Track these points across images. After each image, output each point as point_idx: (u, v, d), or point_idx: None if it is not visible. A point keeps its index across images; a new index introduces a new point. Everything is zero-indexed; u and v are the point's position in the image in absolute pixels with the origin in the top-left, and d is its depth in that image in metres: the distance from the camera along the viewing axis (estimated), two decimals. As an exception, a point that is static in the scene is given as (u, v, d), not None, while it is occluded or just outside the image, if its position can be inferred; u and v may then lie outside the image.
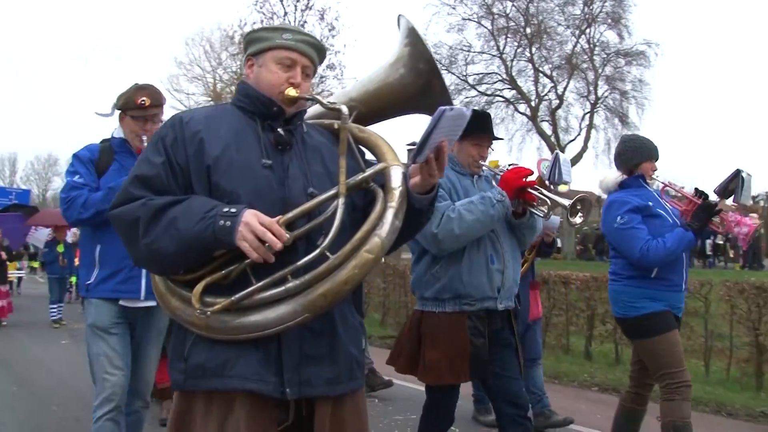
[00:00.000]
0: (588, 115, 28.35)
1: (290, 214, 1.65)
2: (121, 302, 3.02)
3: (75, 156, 3.12)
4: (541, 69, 28.57)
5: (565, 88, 28.44)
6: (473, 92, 29.10)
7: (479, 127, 2.94)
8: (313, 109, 2.11)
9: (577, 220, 2.83)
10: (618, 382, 6.02)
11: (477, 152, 3.02)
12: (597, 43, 28.29)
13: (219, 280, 1.66)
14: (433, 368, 2.85)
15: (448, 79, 25.71)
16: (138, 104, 3.06)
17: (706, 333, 6.28)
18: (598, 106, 28.33)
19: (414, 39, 2.25)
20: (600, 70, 28.11)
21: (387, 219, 1.71)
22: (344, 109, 1.69)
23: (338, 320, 1.79)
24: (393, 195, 1.75)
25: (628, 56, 27.89)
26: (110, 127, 3.27)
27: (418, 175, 1.77)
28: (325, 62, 26.64)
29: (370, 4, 49.03)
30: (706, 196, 3.48)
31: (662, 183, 3.67)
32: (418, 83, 2.21)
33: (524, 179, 2.89)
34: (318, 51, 1.90)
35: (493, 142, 3.09)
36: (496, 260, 2.92)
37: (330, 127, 2.03)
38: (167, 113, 3.18)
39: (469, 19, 28.33)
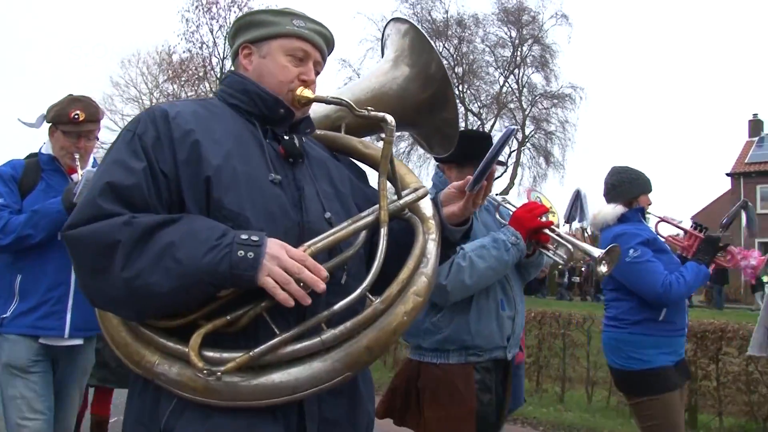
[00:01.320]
0: (515, 152, 29.32)
1: (319, 244, 1.35)
2: (41, 340, 2.71)
3: None
4: (470, 108, 29.46)
5: (492, 126, 29.43)
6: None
7: (483, 151, 2.60)
8: None
9: (603, 269, 2.52)
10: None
11: None
12: (525, 85, 29.60)
13: (221, 328, 1.30)
14: (435, 428, 2.52)
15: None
16: (71, 118, 2.77)
17: (588, 364, 6.66)
18: (524, 144, 29.42)
19: (416, 41, 1.94)
20: (527, 111, 29.35)
21: (431, 254, 1.48)
22: (389, 119, 1.39)
23: (359, 374, 1.48)
24: (429, 225, 1.54)
25: (554, 98, 29.37)
26: (35, 140, 2.97)
27: (455, 203, 1.60)
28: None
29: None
30: (706, 229, 3.41)
31: (658, 217, 3.48)
32: (422, 94, 1.93)
33: (540, 218, 2.58)
34: (329, 45, 1.63)
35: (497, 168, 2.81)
36: (507, 306, 2.63)
37: (325, 138, 1.76)
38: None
39: (403, 56, 29.06)
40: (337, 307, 1.30)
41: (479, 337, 2.54)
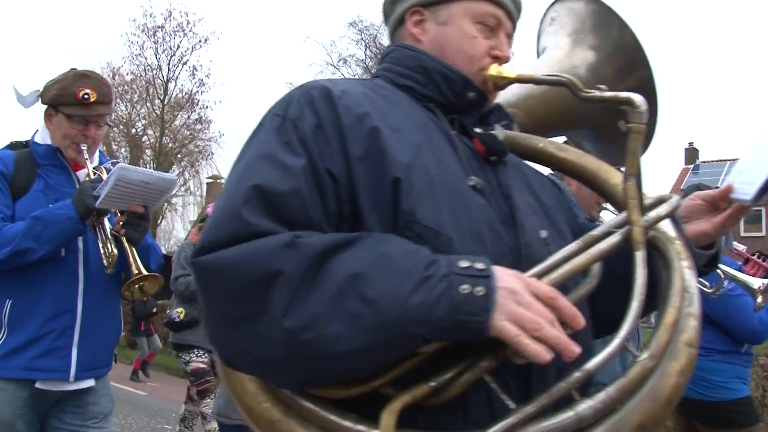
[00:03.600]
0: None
1: (554, 275, 1.01)
2: (38, 384, 2.24)
3: None
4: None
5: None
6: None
7: None
8: None
9: (759, 299, 2.62)
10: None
11: None
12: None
13: (424, 399, 0.94)
14: None
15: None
16: (80, 99, 2.31)
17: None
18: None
19: (598, 17, 1.60)
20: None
21: (693, 288, 1.11)
22: (638, 99, 1.05)
23: None
24: (678, 248, 1.17)
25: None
26: (19, 113, 2.64)
27: (704, 218, 1.27)
28: (195, 116, 26.28)
29: (238, 63, 56.79)
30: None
31: None
32: (619, 85, 1.56)
33: None
34: (519, 12, 1.30)
35: None
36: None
37: (518, 141, 1.36)
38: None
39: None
40: (591, 365, 0.93)
41: (600, 372, 2.17)
